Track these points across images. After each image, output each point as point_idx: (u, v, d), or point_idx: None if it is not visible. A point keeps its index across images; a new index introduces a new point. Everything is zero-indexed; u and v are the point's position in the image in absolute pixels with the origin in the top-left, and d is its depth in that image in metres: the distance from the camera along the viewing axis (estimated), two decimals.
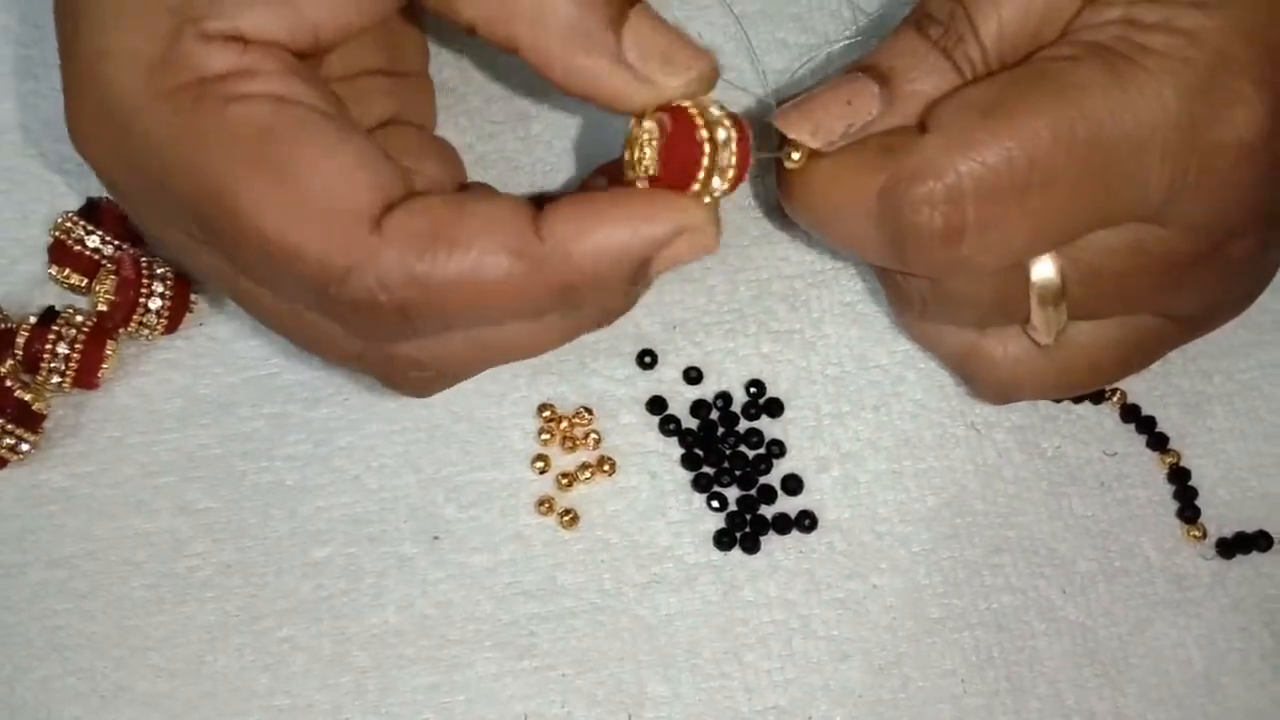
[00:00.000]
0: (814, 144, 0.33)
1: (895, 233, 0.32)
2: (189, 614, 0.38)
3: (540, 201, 0.30)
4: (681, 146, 0.30)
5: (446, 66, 0.44)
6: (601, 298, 0.31)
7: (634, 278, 0.30)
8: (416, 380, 0.33)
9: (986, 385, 0.37)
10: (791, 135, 0.33)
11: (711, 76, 0.31)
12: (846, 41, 0.44)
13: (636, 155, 0.31)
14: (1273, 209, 0.33)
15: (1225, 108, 0.30)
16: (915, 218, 0.31)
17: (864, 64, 0.34)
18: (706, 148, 0.30)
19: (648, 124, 0.30)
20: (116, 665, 0.37)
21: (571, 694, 0.37)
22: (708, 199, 0.31)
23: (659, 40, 0.30)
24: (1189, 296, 0.35)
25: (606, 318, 0.33)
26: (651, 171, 0.31)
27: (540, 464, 0.39)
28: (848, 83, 0.33)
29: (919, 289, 0.35)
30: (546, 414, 0.40)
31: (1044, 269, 0.33)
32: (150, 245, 0.41)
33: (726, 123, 0.31)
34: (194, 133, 0.29)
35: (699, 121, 0.30)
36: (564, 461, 0.40)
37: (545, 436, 0.40)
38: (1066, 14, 0.32)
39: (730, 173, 0.31)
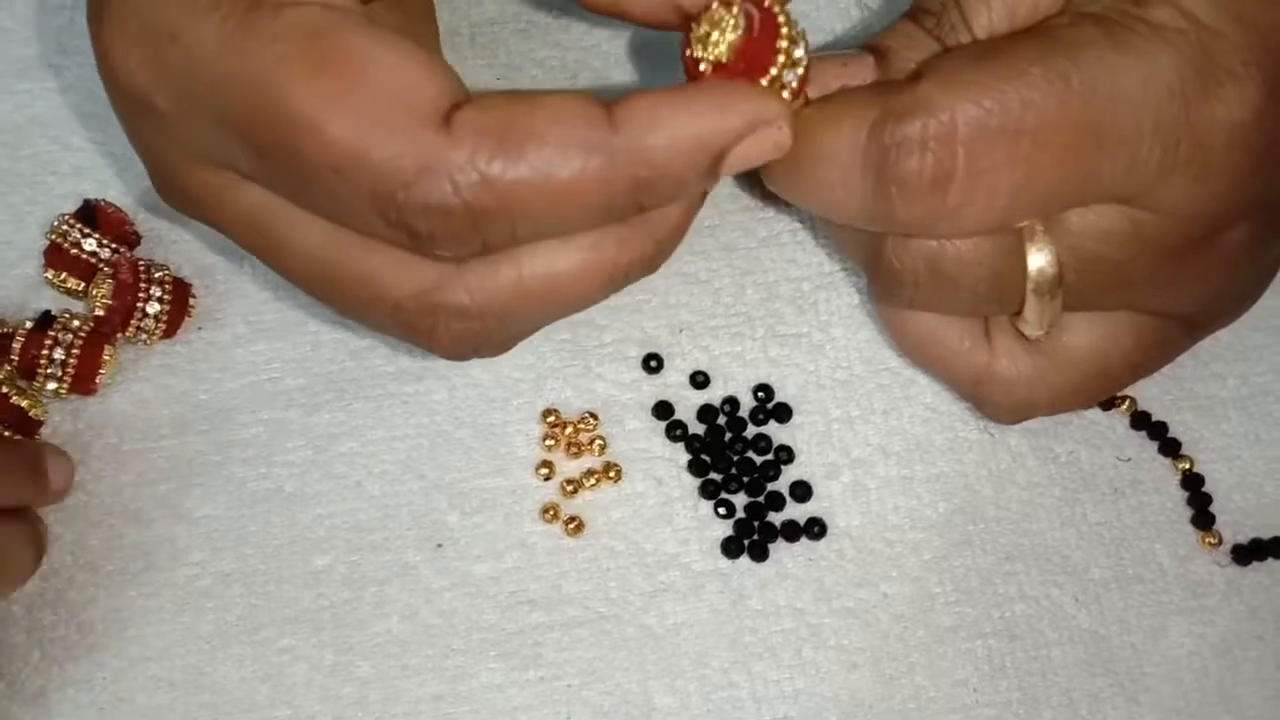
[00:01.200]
0: (810, 93, 0.32)
1: (881, 175, 0.31)
2: (188, 624, 0.37)
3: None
4: (759, 42, 0.30)
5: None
6: (675, 193, 0.30)
7: (708, 173, 0.29)
8: (458, 334, 0.31)
9: (1002, 407, 0.37)
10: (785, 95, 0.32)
11: None
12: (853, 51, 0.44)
13: (714, 36, 0.30)
14: (1269, 198, 0.33)
15: (1218, 84, 0.30)
16: (905, 157, 0.30)
17: (861, 45, 0.34)
18: (783, 52, 0.30)
19: (736, 9, 0.30)
20: (115, 677, 0.37)
21: (577, 705, 0.37)
22: None
23: None
24: (1187, 289, 0.34)
25: (659, 251, 0.31)
26: (724, 57, 0.31)
27: (545, 470, 0.39)
28: (845, 52, 0.34)
29: (913, 269, 0.33)
30: (551, 419, 0.39)
31: (1040, 257, 0.32)
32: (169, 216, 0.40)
33: (805, 41, 0.31)
34: (247, 40, 0.28)
35: (783, 22, 0.30)
36: (569, 468, 0.39)
37: (550, 442, 0.39)
38: (1055, 4, 0.32)
39: (800, 73, 0.31)
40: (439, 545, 0.38)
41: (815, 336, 0.41)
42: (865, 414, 0.40)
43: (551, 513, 0.38)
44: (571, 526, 0.38)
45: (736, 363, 0.40)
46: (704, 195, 0.32)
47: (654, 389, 0.40)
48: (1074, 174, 0.31)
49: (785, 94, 0.31)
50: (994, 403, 0.37)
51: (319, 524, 0.38)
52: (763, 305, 0.41)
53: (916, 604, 0.38)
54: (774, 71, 0.30)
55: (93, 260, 0.40)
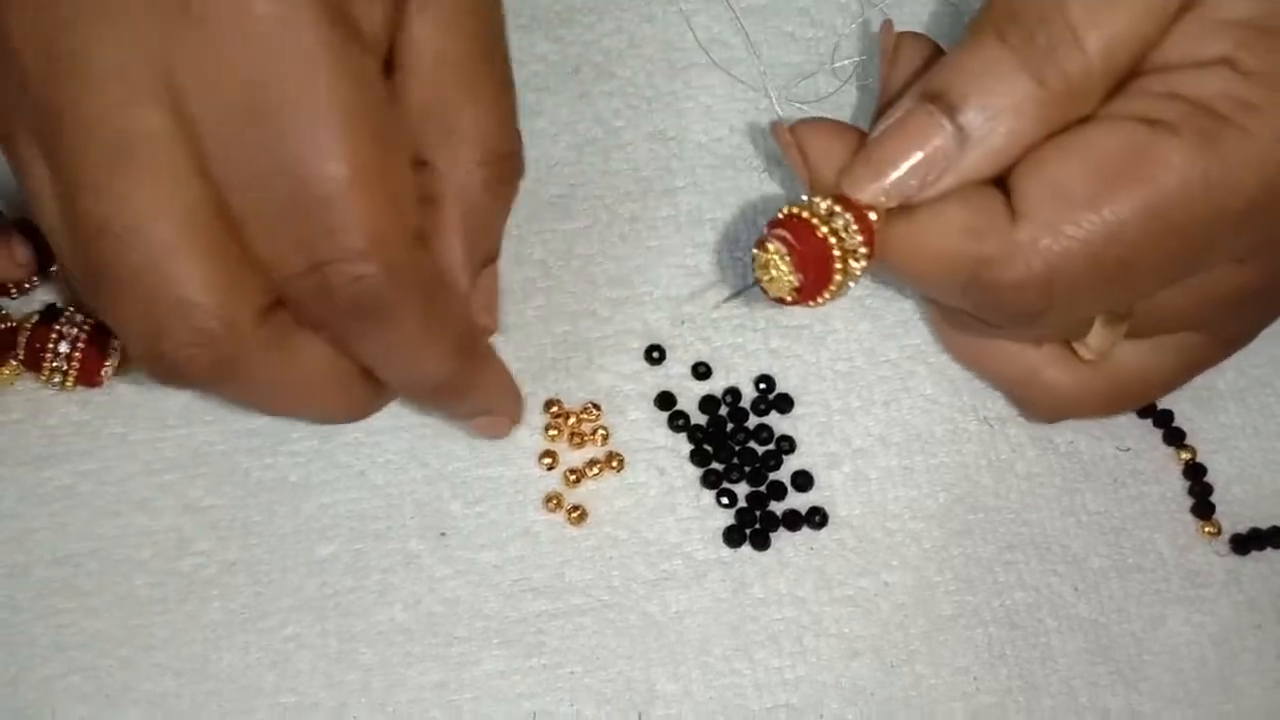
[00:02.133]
0: (890, 204, 0.31)
1: (981, 306, 0.32)
2: (193, 612, 0.37)
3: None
4: (812, 254, 0.31)
5: None
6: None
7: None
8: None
9: (1043, 409, 0.38)
10: (864, 199, 0.31)
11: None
12: (854, 60, 0.44)
13: (774, 274, 0.32)
14: None
15: None
16: (1003, 301, 0.31)
17: (932, 89, 0.30)
18: (836, 250, 0.31)
19: (772, 246, 0.31)
20: (121, 664, 0.37)
21: (580, 692, 0.37)
22: (851, 283, 0.32)
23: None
24: (1240, 322, 0.35)
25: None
26: (788, 293, 0.32)
27: (548, 460, 0.39)
28: (915, 125, 0.30)
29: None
30: (554, 410, 0.40)
31: None
32: None
33: (843, 214, 0.31)
34: None
35: (820, 227, 0.31)
36: (571, 458, 0.39)
37: (553, 432, 0.39)
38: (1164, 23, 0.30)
39: (863, 258, 0.31)
40: (442, 534, 0.38)
41: (816, 328, 0.41)
42: (866, 405, 0.40)
43: (554, 502, 0.39)
44: (574, 516, 0.38)
45: (738, 354, 0.41)
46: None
47: (656, 380, 0.40)
48: (1164, 282, 0.31)
49: (856, 267, 0.31)
50: (1035, 404, 0.38)
51: (323, 513, 0.39)
52: (765, 298, 0.41)
53: (917, 593, 0.38)
54: (834, 287, 0.31)
55: None
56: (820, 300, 0.32)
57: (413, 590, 0.38)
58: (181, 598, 0.38)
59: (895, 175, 0.31)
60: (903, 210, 0.31)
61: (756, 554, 0.38)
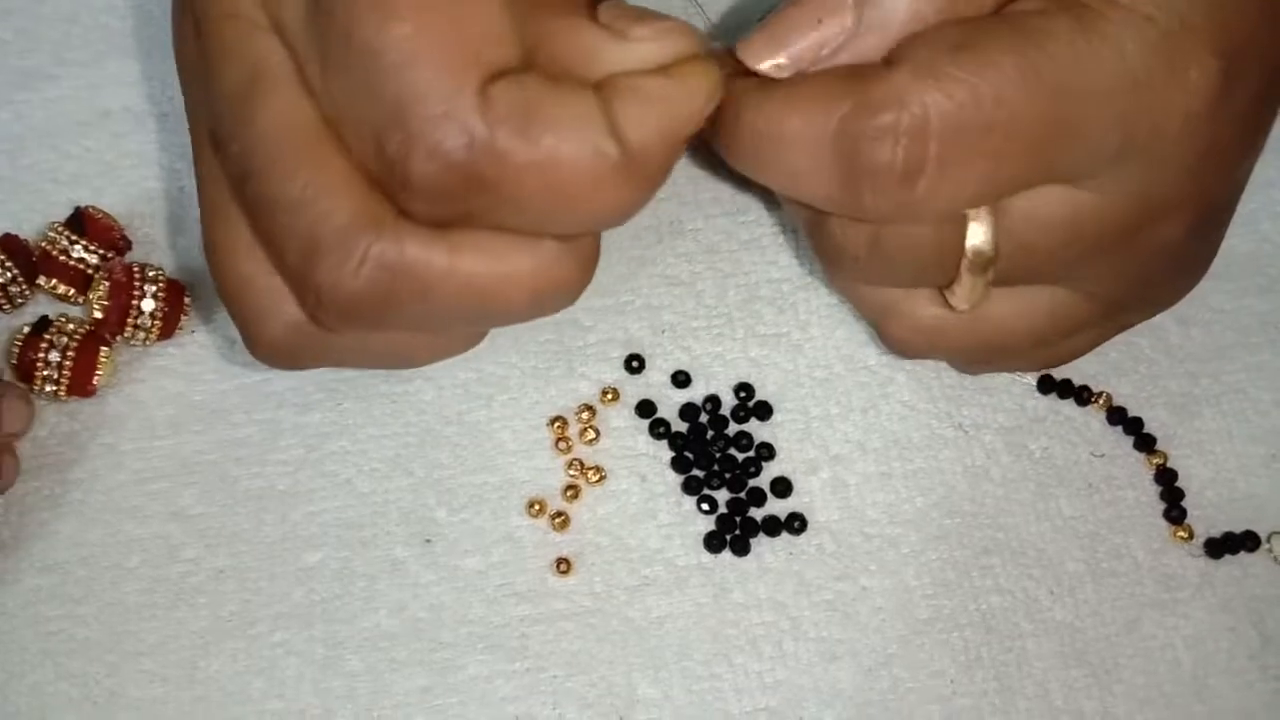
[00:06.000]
0: (784, 74, 0.31)
1: (851, 166, 0.30)
2: (182, 619, 0.38)
3: None
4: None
5: None
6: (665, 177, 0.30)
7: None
8: (366, 283, 0.30)
9: (903, 336, 0.37)
10: (761, 67, 0.31)
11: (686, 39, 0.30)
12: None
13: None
14: (1205, 194, 0.33)
15: (1183, 70, 0.30)
16: (876, 150, 0.30)
17: None
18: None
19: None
20: (110, 671, 0.37)
21: (563, 696, 0.37)
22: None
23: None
24: (1109, 273, 0.34)
25: (581, 276, 0.32)
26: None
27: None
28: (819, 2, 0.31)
29: (855, 244, 0.33)
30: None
31: (978, 237, 0.32)
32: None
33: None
34: None
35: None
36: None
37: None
38: None
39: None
40: (427, 540, 0.39)
41: (795, 336, 0.42)
42: (844, 412, 0.41)
43: (537, 508, 0.39)
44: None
45: (717, 362, 0.41)
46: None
47: (636, 388, 0.41)
48: (1037, 163, 0.31)
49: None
50: (893, 334, 0.37)
51: (310, 521, 0.39)
52: (744, 306, 0.42)
53: (895, 597, 0.39)
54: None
55: (81, 267, 0.41)
56: None
57: (398, 597, 0.38)
58: (170, 605, 0.38)
59: (793, 48, 0.31)
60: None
61: (736, 559, 0.39)
